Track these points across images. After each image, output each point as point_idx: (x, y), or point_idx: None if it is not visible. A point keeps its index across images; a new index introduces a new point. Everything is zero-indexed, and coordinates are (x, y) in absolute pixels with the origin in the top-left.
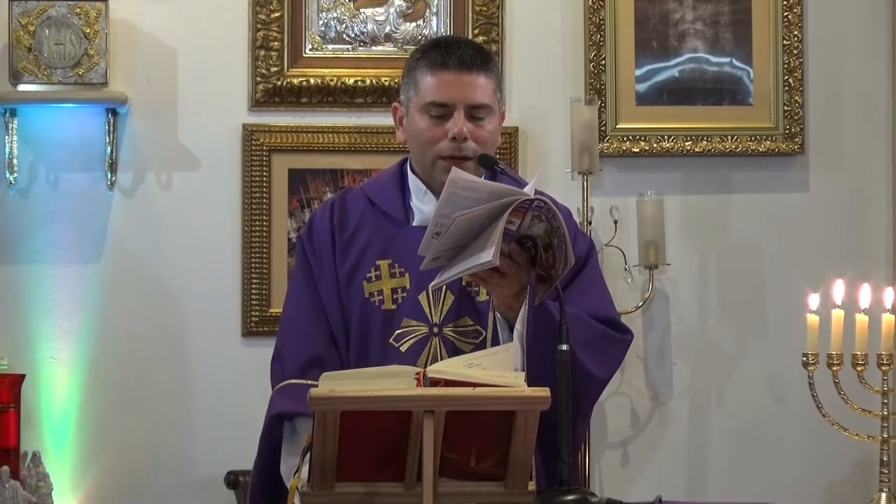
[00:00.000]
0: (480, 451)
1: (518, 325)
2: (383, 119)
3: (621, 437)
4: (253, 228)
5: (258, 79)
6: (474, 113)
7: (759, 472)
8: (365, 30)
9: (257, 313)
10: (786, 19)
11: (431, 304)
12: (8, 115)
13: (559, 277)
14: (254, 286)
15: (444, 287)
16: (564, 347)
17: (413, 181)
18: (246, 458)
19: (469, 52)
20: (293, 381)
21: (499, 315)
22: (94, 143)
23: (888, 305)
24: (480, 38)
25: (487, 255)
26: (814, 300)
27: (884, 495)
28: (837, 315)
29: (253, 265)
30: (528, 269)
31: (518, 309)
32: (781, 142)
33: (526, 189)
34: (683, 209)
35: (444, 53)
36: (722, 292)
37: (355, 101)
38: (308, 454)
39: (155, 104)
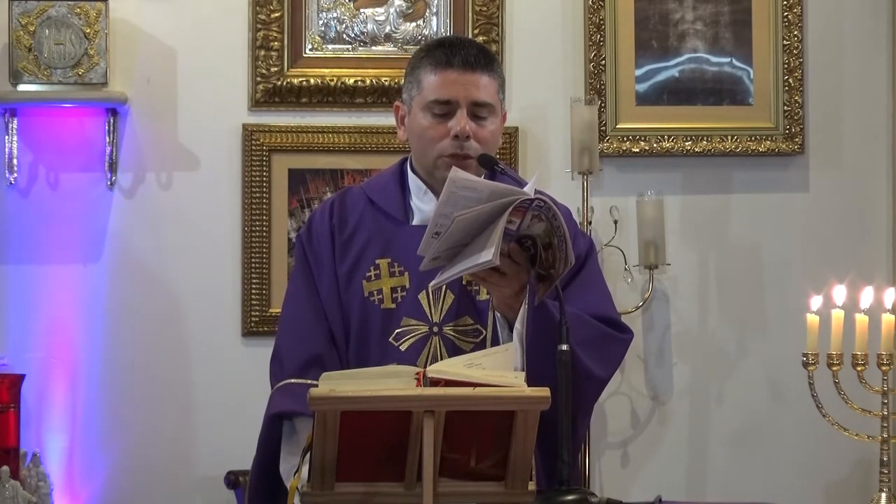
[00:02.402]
0: (480, 451)
1: (518, 325)
2: (383, 119)
3: (621, 437)
4: (253, 228)
5: (258, 79)
6: (477, 112)
7: (759, 472)
8: (365, 30)
9: (257, 313)
10: (786, 19)
11: (431, 303)
12: (8, 115)
13: (559, 277)
14: (254, 286)
15: (444, 286)
16: (564, 347)
17: (413, 180)
18: (246, 458)
19: (473, 51)
20: (292, 380)
21: (498, 315)
22: (94, 143)
23: (888, 305)
24: (480, 38)
25: (488, 255)
26: (814, 300)
27: (884, 495)
28: (837, 315)
29: (253, 265)
30: (527, 268)
31: (518, 308)
32: (781, 142)
33: (525, 189)
34: (683, 209)
35: (448, 52)
36: (722, 292)
37: (355, 101)
38: (308, 454)
39: (155, 104)
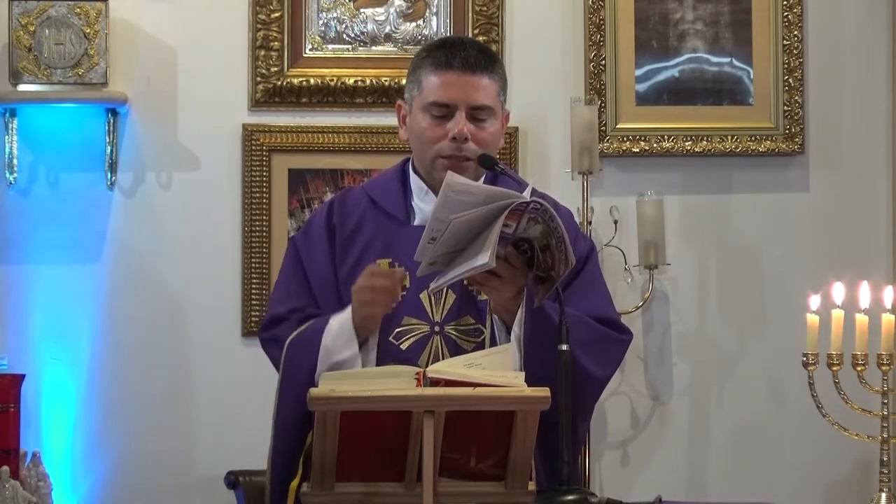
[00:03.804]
0: (480, 451)
1: (515, 328)
2: (383, 119)
3: (621, 437)
4: (253, 228)
5: (258, 79)
6: (476, 114)
7: (759, 472)
8: (365, 30)
9: (257, 313)
10: (786, 19)
11: (432, 302)
12: (8, 115)
13: (560, 278)
14: (254, 286)
15: (446, 286)
16: (564, 347)
17: (415, 181)
18: (246, 458)
19: (474, 53)
20: (295, 332)
21: (496, 317)
22: (94, 143)
23: (888, 305)
24: (480, 38)
25: (483, 258)
26: (814, 300)
27: (884, 495)
28: (837, 315)
29: (253, 265)
30: (524, 271)
31: (515, 311)
32: (781, 142)
33: (526, 190)
34: (683, 209)
35: (448, 54)
36: (722, 292)
37: (355, 101)
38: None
39: (155, 104)
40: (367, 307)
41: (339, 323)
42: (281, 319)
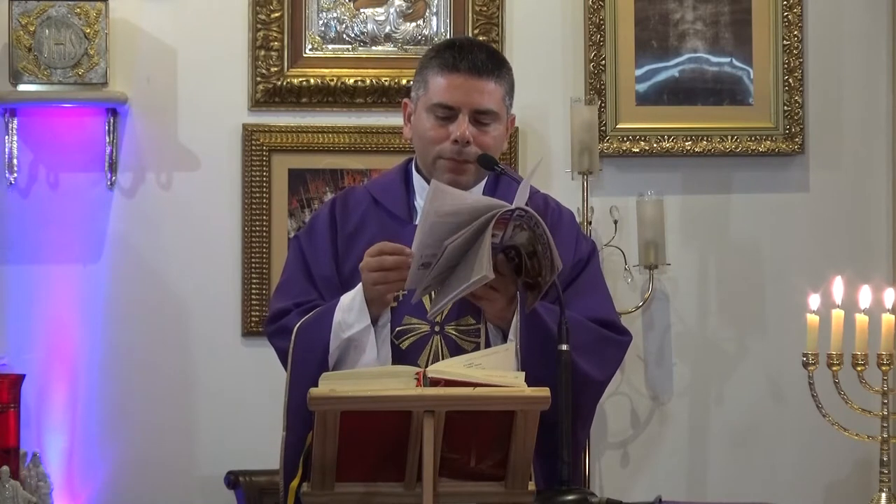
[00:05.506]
0: (480, 451)
1: (511, 335)
2: (383, 119)
3: (621, 437)
4: (253, 228)
5: (258, 79)
6: (480, 118)
7: (759, 472)
8: (365, 30)
9: (257, 313)
10: (786, 19)
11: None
12: (8, 115)
13: (547, 284)
14: (254, 286)
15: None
16: (564, 347)
17: (418, 180)
18: (246, 458)
19: (482, 56)
20: (302, 320)
21: (492, 326)
22: (94, 143)
23: (888, 305)
24: (480, 38)
25: (481, 271)
26: (814, 300)
27: (884, 495)
28: (837, 315)
29: (253, 265)
30: (513, 279)
31: (510, 319)
32: (781, 142)
33: (521, 186)
34: (683, 209)
35: (456, 55)
36: (722, 292)
37: (355, 101)
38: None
39: (155, 104)
40: (376, 286)
41: (350, 298)
42: (287, 312)
